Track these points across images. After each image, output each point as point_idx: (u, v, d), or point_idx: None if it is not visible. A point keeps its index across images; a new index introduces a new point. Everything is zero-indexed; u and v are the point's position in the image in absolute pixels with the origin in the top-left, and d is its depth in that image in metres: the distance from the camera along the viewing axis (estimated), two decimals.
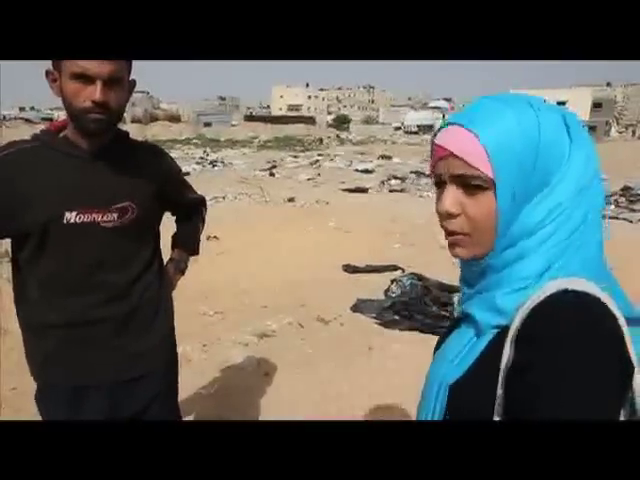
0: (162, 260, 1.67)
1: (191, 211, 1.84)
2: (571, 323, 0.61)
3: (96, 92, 1.26)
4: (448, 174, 0.72)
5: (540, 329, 0.62)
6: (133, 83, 1.41)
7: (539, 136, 0.68)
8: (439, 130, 0.75)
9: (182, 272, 1.81)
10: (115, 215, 1.40)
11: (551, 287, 0.65)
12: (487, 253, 0.73)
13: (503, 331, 0.67)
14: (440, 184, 0.75)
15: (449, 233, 0.75)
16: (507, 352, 0.65)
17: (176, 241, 1.84)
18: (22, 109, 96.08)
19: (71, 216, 1.34)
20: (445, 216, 0.73)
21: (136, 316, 1.50)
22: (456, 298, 4.49)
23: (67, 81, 1.26)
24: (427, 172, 16.30)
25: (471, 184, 0.70)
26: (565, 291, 0.64)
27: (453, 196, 0.72)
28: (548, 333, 0.61)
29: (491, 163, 0.68)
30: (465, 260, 0.76)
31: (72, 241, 1.37)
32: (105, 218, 1.39)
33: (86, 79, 1.25)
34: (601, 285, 0.66)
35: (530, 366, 0.61)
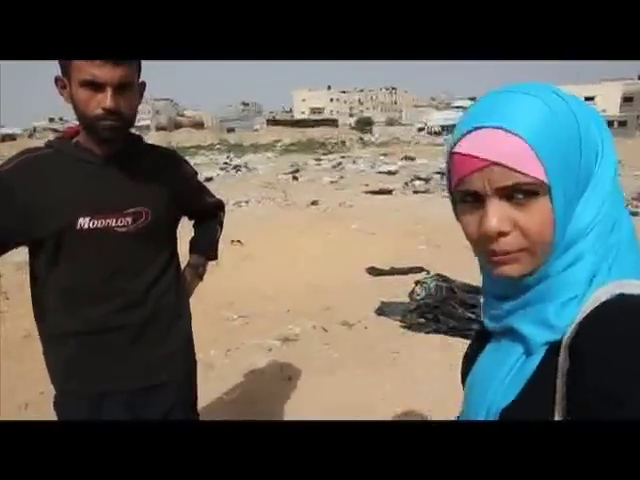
0: (180, 265, 1.65)
1: (209, 215, 1.82)
2: (632, 328, 0.55)
3: (107, 99, 1.24)
4: (490, 188, 0.61)
5: (598, 339, 0.56)
6: (143, 85, 1.40)
7: (578, 126, 0.61)
8: (458, 138, 0.64)
9: (200, 277, 1.79)
10: (129, 220, 1.38)
11: (604, 293, 0.59)
12: (540, 265, 0.64)
13: (556, 346, 0.61)
14: (472, 202, 0.64)
15: (500, 253, 0.63)
16: (562, 368, 0.59)
17: (194, 246, 1.81)
18: (51, 120, 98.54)
19: (84, 222, 1.33)
20: (495, 236, 0.62)
21: (153, 323, 1.48)
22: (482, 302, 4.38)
23: (77, 88, 1.25)
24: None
25: (519, 193, 0.60)
26: (620, 295, 0.58)
27: (501, 211, 0.61)
28: (607, 343, 0.55)
29: (542, 163, 0.59)
30: (515, 278, 0.65)
31: (87, 247, 1.35)
32: (119, 223, 1.37)
33: (96, 86, 1.24)
34: None
35: (590, 377, 0.55)
